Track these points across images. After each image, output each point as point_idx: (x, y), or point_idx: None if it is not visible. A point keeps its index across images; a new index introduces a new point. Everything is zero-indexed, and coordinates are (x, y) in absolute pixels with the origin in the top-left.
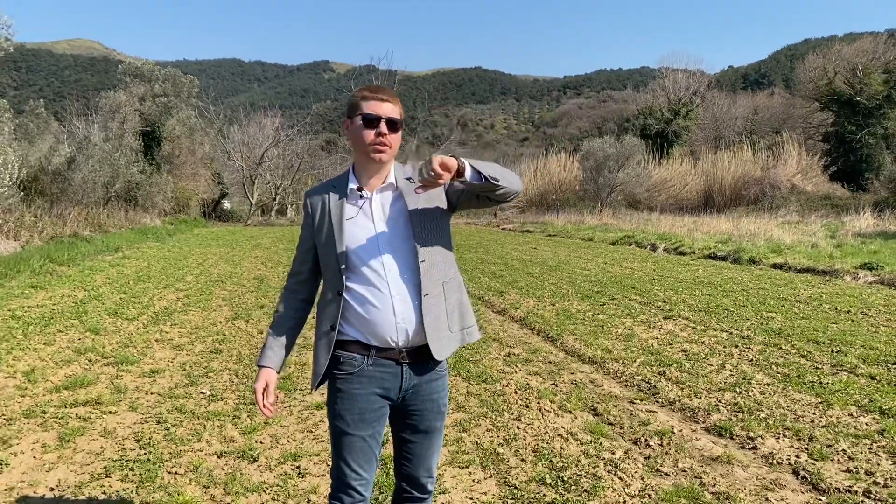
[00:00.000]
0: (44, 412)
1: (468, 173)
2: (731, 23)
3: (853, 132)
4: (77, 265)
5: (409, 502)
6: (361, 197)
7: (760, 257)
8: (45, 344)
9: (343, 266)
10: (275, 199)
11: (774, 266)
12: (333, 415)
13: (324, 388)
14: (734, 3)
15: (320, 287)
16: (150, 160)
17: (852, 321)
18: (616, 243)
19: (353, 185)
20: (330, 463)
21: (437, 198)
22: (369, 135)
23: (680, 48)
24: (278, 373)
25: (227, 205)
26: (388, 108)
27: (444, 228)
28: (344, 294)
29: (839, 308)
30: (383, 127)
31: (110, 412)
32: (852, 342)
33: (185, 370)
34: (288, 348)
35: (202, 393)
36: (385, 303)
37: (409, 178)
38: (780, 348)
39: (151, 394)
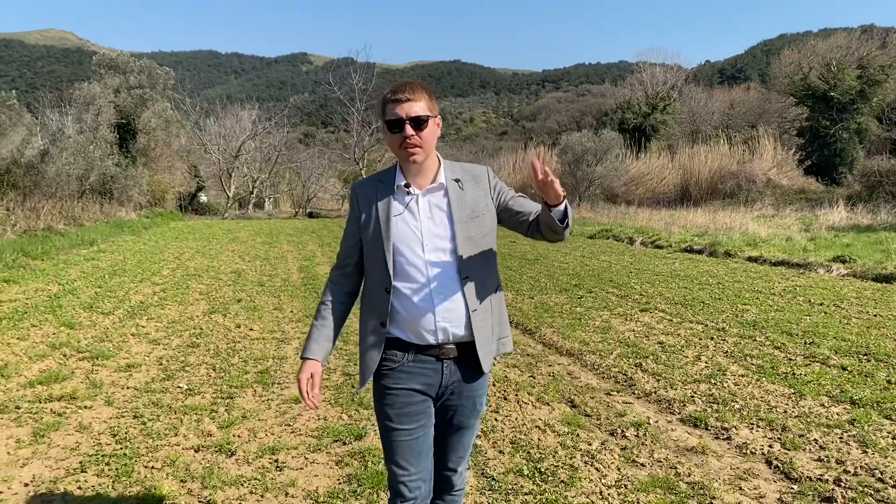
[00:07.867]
0: (17, 407)
1: (560, 208)
2: (708, 18)
3: (827, 127)
4: (51, 259)
5: (437, 499)
6: (409, 194)
7: (736, 250)
8: (18, 338)
9: (390, 263)
10: (252, 193)
11: (750, 259)
12: (378, 412)
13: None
14: None
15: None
16: (126, 153)
17: (825, 313)
18: (594, 237)
19: (400, 182)
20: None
21: (486, 207)
22: (397, 139)
23: (658, 43)
24: (323, 366)
25: (203, 198)
26: (410, 107)
27: (490, 239)
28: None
29: (812, 300)
30: (408, 129)
31: (86, 407)
32: (825, 334)
33: (161, 364)
34: (332, 340)
35: (179, 387)
36: (426, 301)
37: (457, 180)
38: (755, 340)
39: (127, 388)
